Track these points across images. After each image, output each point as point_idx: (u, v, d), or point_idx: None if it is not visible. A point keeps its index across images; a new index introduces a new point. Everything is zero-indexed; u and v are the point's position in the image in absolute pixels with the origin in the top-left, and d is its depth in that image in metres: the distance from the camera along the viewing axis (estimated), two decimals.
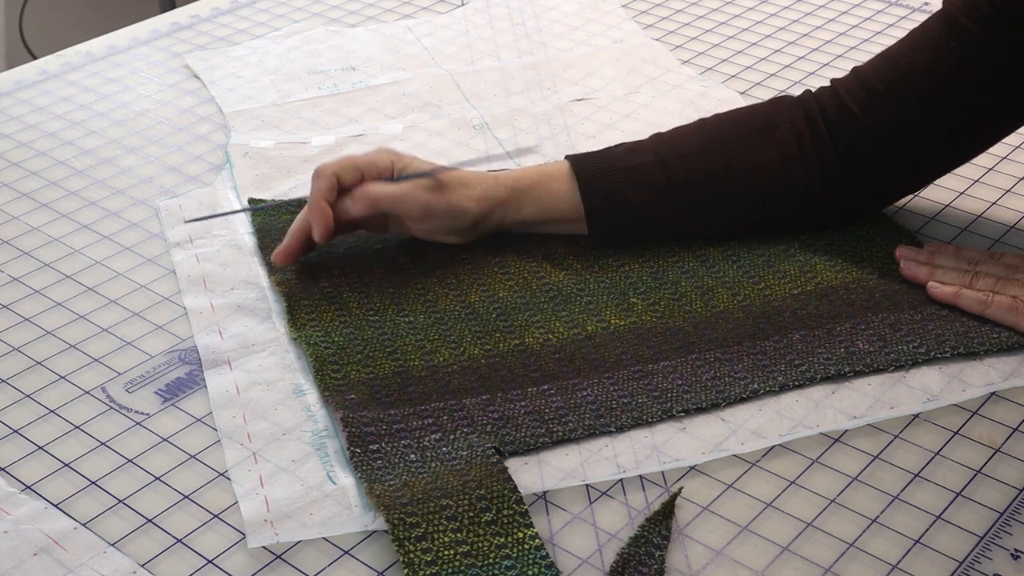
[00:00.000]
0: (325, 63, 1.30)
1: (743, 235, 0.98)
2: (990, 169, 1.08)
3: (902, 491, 0.76)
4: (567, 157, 0.97)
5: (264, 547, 0.73)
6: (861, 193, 0.96)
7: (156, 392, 0.85)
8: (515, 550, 0.70)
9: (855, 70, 0.97)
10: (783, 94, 1.21)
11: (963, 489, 0.76)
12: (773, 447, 0.79)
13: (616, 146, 0.98)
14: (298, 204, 0.99)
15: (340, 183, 0.93)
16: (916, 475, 0.77)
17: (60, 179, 1.11)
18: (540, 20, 1.39)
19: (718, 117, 0.99)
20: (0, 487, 0.77)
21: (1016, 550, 0.71)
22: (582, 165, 0.96)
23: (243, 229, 1.02)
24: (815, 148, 0.95)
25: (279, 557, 0.72)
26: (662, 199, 0.95)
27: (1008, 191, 1.05)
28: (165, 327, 0.92)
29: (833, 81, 0.98)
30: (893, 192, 0.99)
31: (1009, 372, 0.84)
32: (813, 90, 0.98)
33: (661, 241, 0.97)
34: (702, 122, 0.99)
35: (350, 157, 0.95)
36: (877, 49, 1.00)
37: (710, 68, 1.27)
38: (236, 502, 0.76)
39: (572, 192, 0.95)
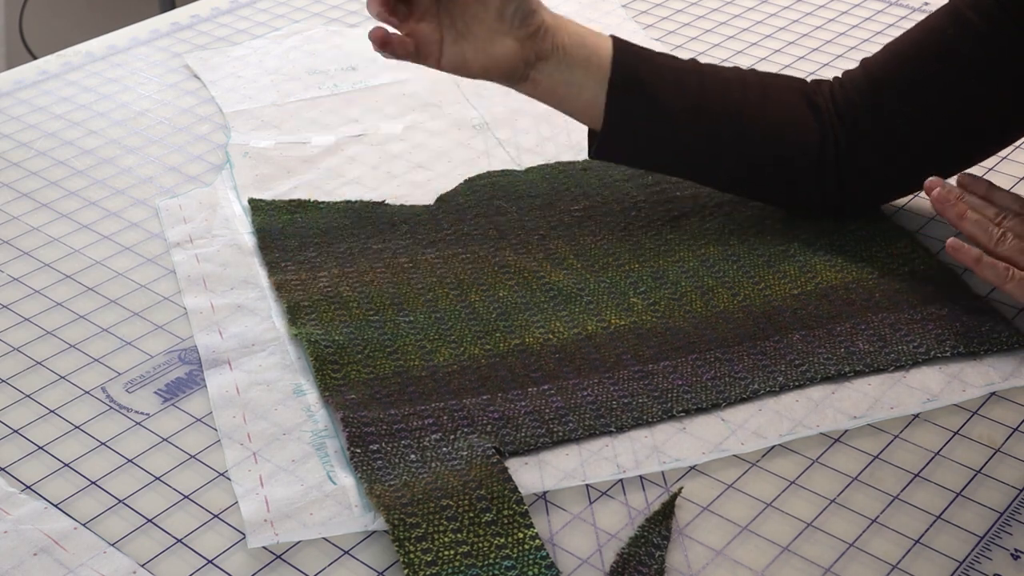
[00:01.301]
0: (325, 63, 1.30)
1: (743, 190, 0.99)
2: (990, 169, 1.08)
3: (902, 491, 0.76)
4: (612, 36, 0.97)
5: (264, 547, 0.73)
6: (867, 182, 0.97)
7: (156, 392, 0.85)
8: (515, 550, 0.70)
9: (863, 62, 0.98)
10: None
11: (963, 489, 0.76)
12: (773, 447, 0.79)
13: (661, 53, 0.99)
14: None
15: None
16: (916, 475, 0.77)
17: (60, 179, 1.11)
18: None
19: (751, 70, 1.01)
20: (0, 487, 0.77)
21: (1016, 550, 0.71)
22: (624, 42, 0.96)
23: (243, 229, 1.02)
24: (828, 130, 0.96)
25: (279, 557, 0.72)
26: (685, 103, 0.95)
27: (1008, 191, 1.05)
28: (165, 327, 0.92)
29: (844, 72, 0.99)
30: (900, 185, 0.99)
31: (1009, 372, 0.84)
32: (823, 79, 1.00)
33: (662, 166, 0.99)
34: (737, 68, 1.01)
35: None
36: (876, 49, 1.00)
37: None
38: (236, 502, 0.76)
39: (608, 54, 0.95)
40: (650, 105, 0.95)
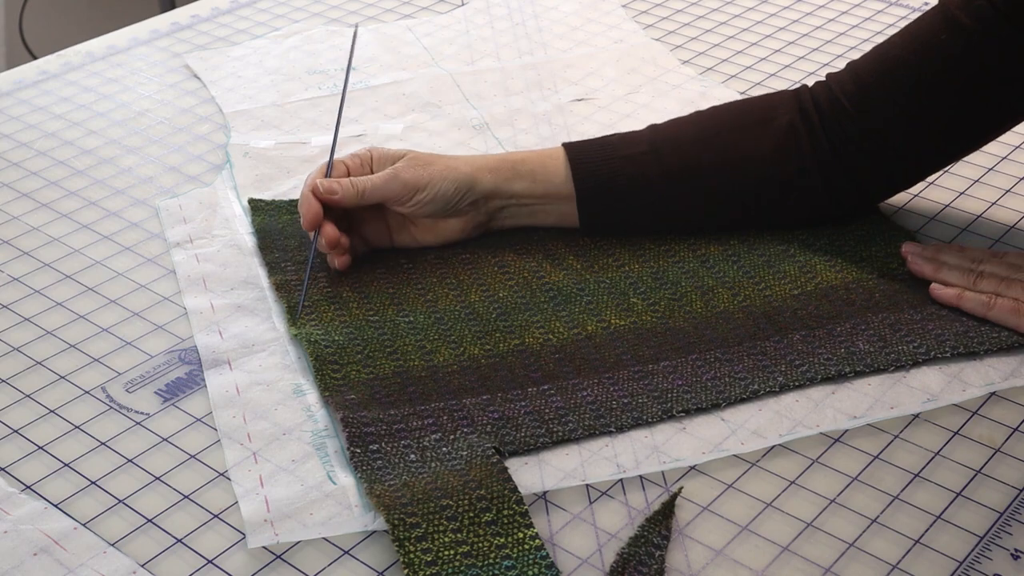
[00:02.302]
0: (325, 63, 1.30)
1: (738, 227, 0.98)
2: (990, 169, 1.08)
3: (902, 491, 0.76)
4: (564, 144, 0.97)
5: (264, 547, 0.73)
6: (857, 186, 0.96)
7: (156, 392, 0.85)
8: (515, 550, 0.70)
9: (850, 64, 0.97)
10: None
11: (963, 489, 0.76)
12: (773, 447, 0.79)
13: (612, 135, 0.98)
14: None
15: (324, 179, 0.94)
16: (916, 475, 0.77)
17: (60, 179, 1.11)
18: (540, 20, 1.39)
19: (714, 108, 1.00)
20: (0, 487, 0.77)
21: (1016, 550, 0.71)
22: (577, 149, 0.96)
23: (243, 229, 1.02)
24: (810, 141, 0.95)
25: (279, 557, 0.72)
26: (655, 187, 0.96)
27: (1008, 191, 1.05)
28: (165, 327, 0.92)
29: (828, 75, 0.98)
30: (889, 186, 0.99)
31: (1009, 372, 0.84)
32: (810, 84, 0.99)
33: (654, 231, 0.98)
34: (698, 113, 1.00)
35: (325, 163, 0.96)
36: None
37: (710, 68, 1.27)
38: (236, 502, 0.76)
39: (566, 173, 0.96)
40: (620, 199, 0.96)
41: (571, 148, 0.97)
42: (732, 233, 0.98)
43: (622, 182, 0.95)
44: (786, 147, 0.95)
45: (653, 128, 0.99)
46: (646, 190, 0.96)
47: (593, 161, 0.96)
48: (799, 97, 0.97)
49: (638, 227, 0.98)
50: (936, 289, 0.90)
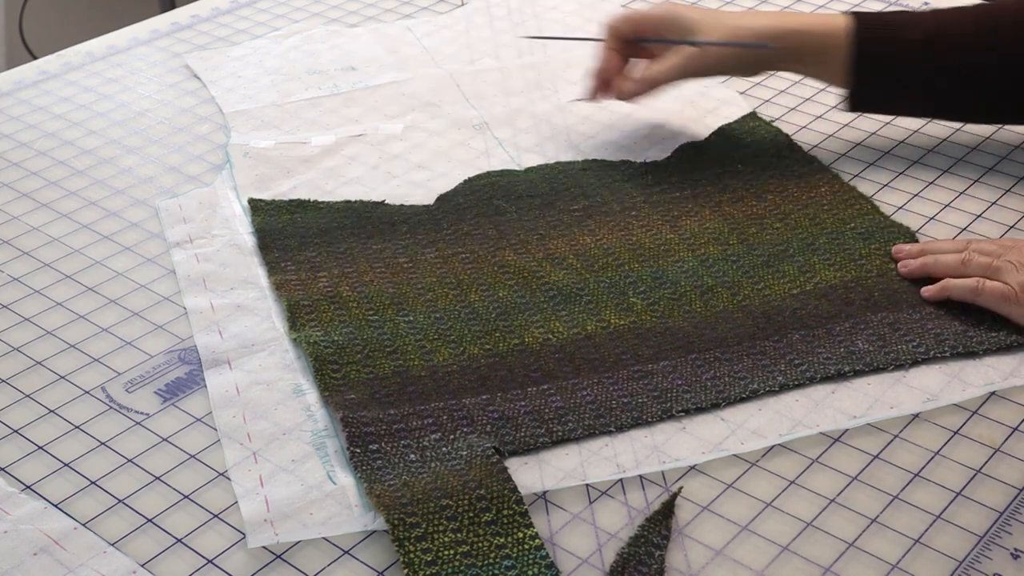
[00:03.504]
0: (325, 63, 1.30)
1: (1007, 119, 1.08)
2: (990, 169, 1.08)
3: (902, 491, 0.76)
4: (851, 22, 1.03)
5: (264, 547, 0.73)
6: None
7: (156, 392, 0.85)
8: (515, 550, 0.70)
9: None
10: (783, 93, 1.21)
11: (963, 489, 0.76)
12: (773, 447, 0.79)
13: (897, 13, 1.06)
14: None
15: (620, 36, 1.09)
16: (916, 475, 0.77)
17: (60, 179, 1.11)
18: (540, 20, 1.39)
19: (993, 4, 1.05)
20: (0, 487, 0.77)
21: (1016, 550, 0.71)
22: (863, 30, 1.03)
23: (243, 229, 1.02)
24: None
25: (279, 557, 0.72)
26: (926, 76, 1.02)
27: (1008, 191, 1.05)
28: (165, 327, 0.92)
29: None
30: None
31: (1009, 372, 0.84)
32: None
33: (920, 113, 1.10)
34: (977, 7, 1.05)
35: (627, 14, 1.10)
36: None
37: None
38: (236, 502, 0.76)
39: (846, 51, 1.03)
40: (891, 83, 1.02)
41: (858, 26, 1.03)
42: (732, 233, 0.98)
43: (897, 69, 1.02)
44: None
45: (933, 15, 1.04)
46: (917, 79, 1.02)
47: (874, 38, 1.03)
48: None
49: (905, 108, 1.08)
50: (924, 291, 0.90)
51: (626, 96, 1.08)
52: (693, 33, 1.05)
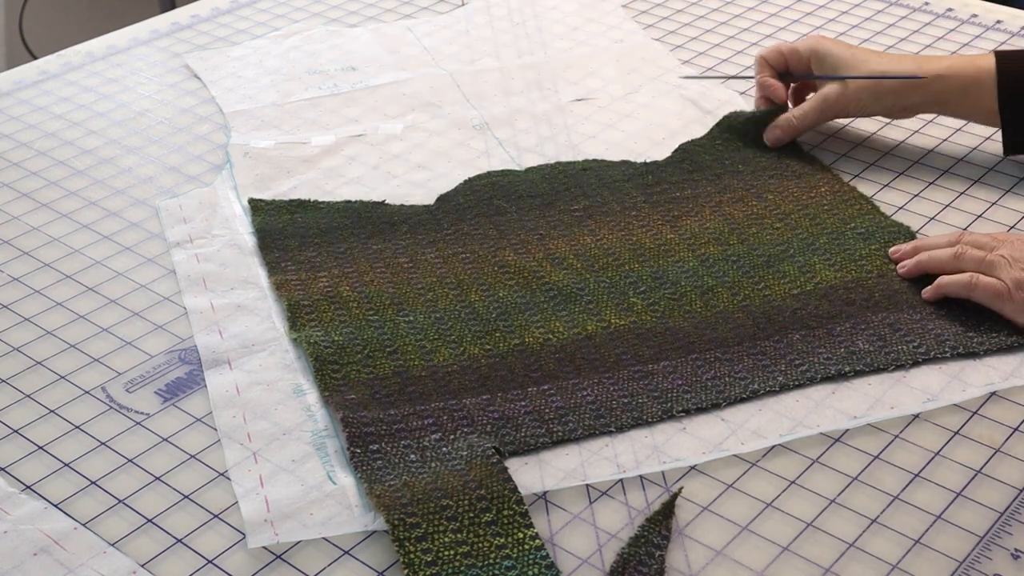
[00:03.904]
0: (325, 63, 1.30)
1: None
2: (990, 169, 1.08)
3: (902, 491, 0.76)
4: (996, 59, 1.03)
5: (264, 547, 0.73)
6: None
7: (156, 392, 0.85)
8: (515, 550, 0.70)
9: None
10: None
11: (963, 489, 0.76)
12: (773, 447, 0.79)
13: None
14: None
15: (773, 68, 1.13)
16: (916, 475, 0.77)
17: (60, 179, 1.11)
18: (540, 20, 1.39)
19: None
20: (0, 487, 0.77)
21: (1016, 550, 0.71)
22: (1005, 64, 1.03)
23: (243, 229, 1.02)
24: None
25: (279, 557, 0.72)
26: None
27: (1008, 191, 1.05)
28: (165, 327, 0.92)
29: None
30: None
31: (1009, 372, 0.84)
32: None
33: None
34: None
35: (777, 46, 1.14)
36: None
37: (710, 68, 1.27)
38: (236, 502, 0.76)
39: (992, 94, 1.03)
40: None
41: (1002, 64, 1.03)
42: (732, 233, 0.98)
43: None
44: None
45: None
46: None
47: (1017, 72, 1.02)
48: None
49: None
50: (924, 292, 0.90)
51: (772, 143, 1.11)
52: (837, 70, 1.07)
